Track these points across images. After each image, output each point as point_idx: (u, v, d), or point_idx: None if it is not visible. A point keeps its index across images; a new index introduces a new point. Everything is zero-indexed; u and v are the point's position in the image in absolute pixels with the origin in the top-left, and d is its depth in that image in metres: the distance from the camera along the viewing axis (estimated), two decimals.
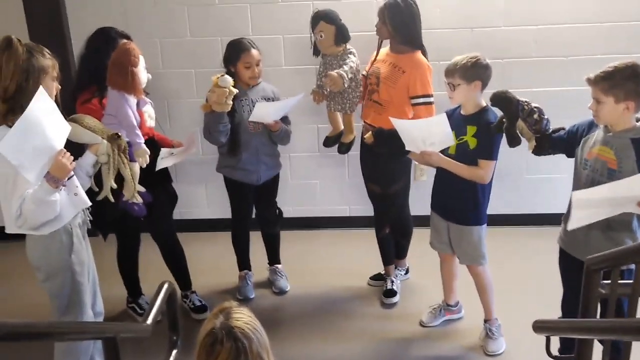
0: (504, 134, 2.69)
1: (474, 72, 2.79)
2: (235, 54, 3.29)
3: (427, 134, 2.83)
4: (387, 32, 3.23)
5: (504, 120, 2.67)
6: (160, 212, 3.31)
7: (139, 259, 3.50)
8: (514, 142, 2.68)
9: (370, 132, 3.20)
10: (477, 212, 2.98)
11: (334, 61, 3.29)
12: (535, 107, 2.58)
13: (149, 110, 2.99)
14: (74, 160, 2.33)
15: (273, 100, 3.41)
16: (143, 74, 2.86)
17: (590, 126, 2.53)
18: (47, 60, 2.33)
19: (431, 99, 3.20)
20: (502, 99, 2.64)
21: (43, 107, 2.22)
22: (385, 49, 3.36)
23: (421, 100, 3.19)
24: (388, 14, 3.18)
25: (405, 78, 3.18)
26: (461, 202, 2.98)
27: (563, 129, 2.66)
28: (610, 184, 2.32)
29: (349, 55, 3.30)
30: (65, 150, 2.29)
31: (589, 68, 2.43)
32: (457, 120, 2.89)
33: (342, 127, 3.53)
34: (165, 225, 3.41)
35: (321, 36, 3.26)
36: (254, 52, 3.28)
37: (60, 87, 2.41)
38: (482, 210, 2.99)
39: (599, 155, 2.43)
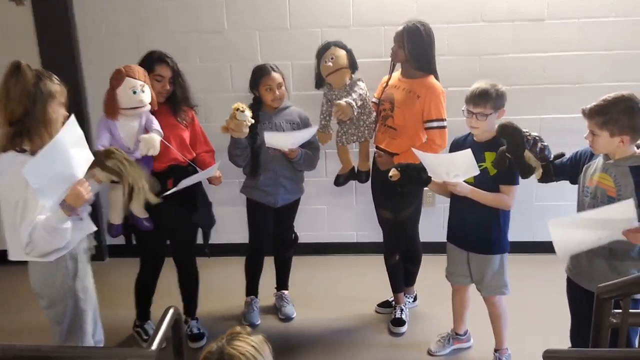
0: (518, 167, 2.65)
1: (501, 100, 2.81)
2: (256, 78, 3.33)
3: (451, 167, 2.81)
4: (403, 55, 3.23)
5: (506, 154, 2.65)
6: (184, 236, 3.39)
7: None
8: (527, 172, 2.65)
9: (395, 170, 3.17)
10: (499, 239, 2.93)
11: (342, 93, 3.29)
12: (536, 136, 2.58)
13: (148, 139, 2.90)
14: None
15: (299, 125, 3.41)
16: (124, 97, 2.83)
17: (593, 153, 2.52)
18: (56, 86, 2.33)
19: (444, 123, 3.20)
20: (510, 130, 2.62)
21: (71, 135, 2.24)
22: (396, 74, 3.37)
23: (435, 124, 3.19)
24: (407, 38, 3.19)
25: (420, 102, 3.19)
26: (482, 231, 2.93)
27: (563, 154, 2.65)
28: (586, 212, 2.37)
29: (357, 83, 3.31)
30: (85, 179, 2.30)
31: (597, 96, 2.42)
32: (472, 148, 2.87)
33: (352, 164, 3.55)
34: (187, 250, 3.46)
35: (332, 58, 3.27)
36: (274, 74, 3.31)
37: (67, 113, 2.38)
38: (504, 238, 2.94)
39: (599, 183, 2.43)
